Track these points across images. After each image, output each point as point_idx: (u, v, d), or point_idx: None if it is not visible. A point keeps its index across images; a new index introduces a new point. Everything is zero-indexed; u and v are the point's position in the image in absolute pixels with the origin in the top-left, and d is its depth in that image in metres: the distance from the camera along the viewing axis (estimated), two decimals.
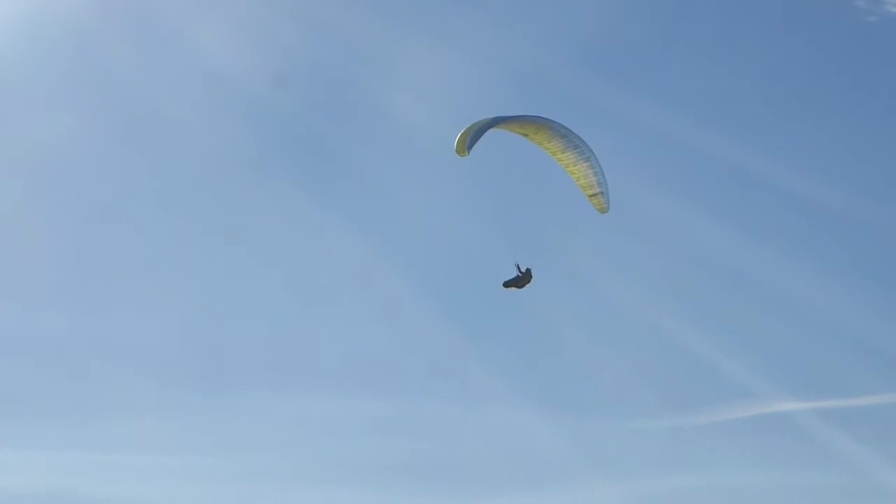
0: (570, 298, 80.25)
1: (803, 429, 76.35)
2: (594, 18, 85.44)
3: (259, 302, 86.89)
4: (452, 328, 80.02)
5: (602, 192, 35.89)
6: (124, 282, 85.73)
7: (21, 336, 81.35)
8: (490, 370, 78.03)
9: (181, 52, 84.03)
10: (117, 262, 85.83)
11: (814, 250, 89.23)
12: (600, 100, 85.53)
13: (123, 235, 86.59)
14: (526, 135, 34.43)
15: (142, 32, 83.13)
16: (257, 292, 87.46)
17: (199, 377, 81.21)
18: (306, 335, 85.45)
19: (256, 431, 77.88)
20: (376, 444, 77.59)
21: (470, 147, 33.58)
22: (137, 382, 78.81)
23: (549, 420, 77.51)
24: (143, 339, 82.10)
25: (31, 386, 79.76)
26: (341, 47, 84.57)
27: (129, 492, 72.19)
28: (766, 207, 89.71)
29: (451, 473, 75.25)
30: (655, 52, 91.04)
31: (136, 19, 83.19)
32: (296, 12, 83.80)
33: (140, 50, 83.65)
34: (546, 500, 73.79)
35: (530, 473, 74.79)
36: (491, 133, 32.73)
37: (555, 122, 34.45)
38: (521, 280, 37.20)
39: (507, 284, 37.25)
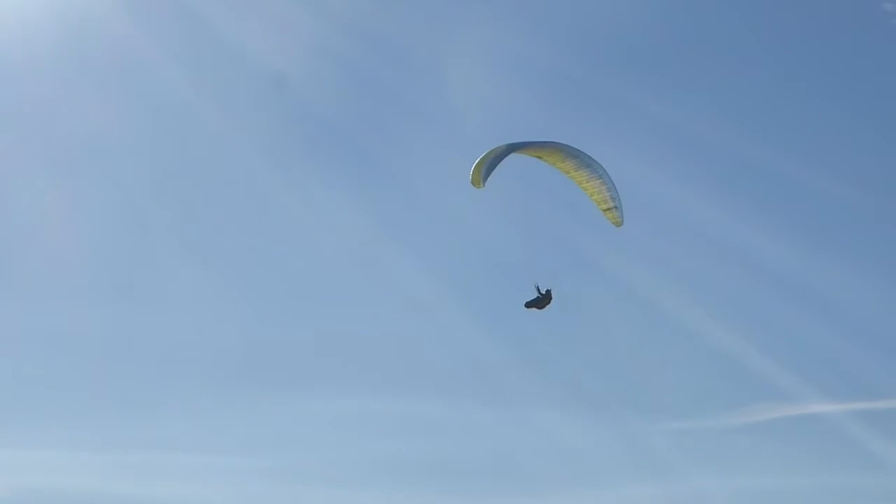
0: (604, 300, 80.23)
1: (837, 430, 76.01)
2: (627, 17, 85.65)
3: (285, 302, 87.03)
4: (486, 329, 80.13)
5: (616, 207, 36.59)
6: (149, 280, 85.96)
7: (52, 333, 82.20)
8: (524, 371, 78.19)
9: (214, 47, 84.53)
10: (143, 260, 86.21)
11: (848, 250, 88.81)
12: (633, 98, 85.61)
13: (154, 233, 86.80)
14: (540, 157, 35.19)
15: (174, 28, 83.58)
16: (283, 291, 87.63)
17: (228, 376, 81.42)
18: (336, 335, 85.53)
19: (283, 431, 78.11)
20: (413, 445, 77.80)
21: (485, 179, 34.21)
22: (162, 381, 79.34)
23: (582, 421, 77.60)
24: (168, 338, 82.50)
25: (57, 385, 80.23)
26: (375, 44, 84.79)
27: (152, 490, 72.40)
28: (802, 207, 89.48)
29: (485, 474, 75.45)
30: (685, 49, 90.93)
31: (168, 14, 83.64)
32: (335, 10, 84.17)
33: (172, 45, 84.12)
34: (579, 501, 73.85)
35: (563, 474, 74.93)
36: (508, 158, 33.48)
37: (566, 144, 35.19)
38: (542, 301, 37.89)
39: (528, 305, 37.96)
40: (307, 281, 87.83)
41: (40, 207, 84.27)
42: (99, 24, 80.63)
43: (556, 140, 35.50)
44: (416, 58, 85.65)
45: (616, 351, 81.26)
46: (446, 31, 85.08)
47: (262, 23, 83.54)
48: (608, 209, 36.65)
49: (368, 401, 78.92)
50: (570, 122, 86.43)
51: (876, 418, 76.77)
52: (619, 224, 37.12)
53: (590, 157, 35.91)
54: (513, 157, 34.17)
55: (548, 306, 37.82)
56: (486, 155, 34.81)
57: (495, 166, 34.33)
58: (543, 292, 37.72)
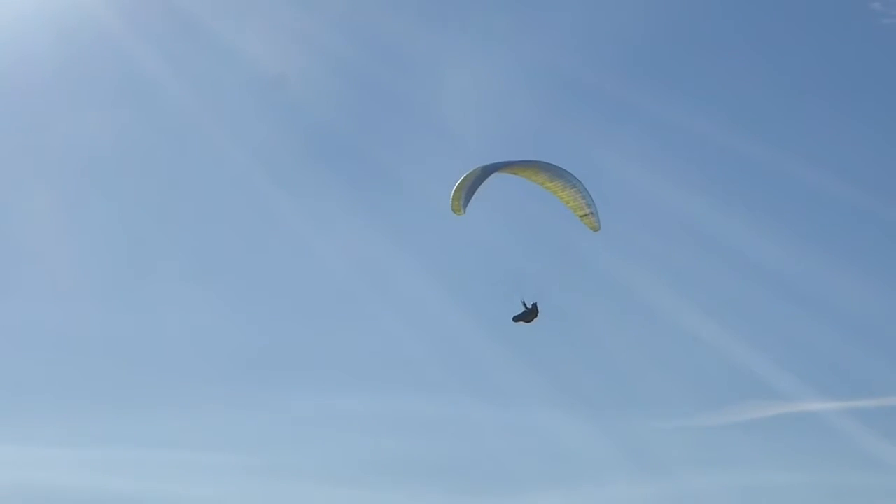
0: (599, 298, 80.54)
1: (832, 428, 76.28)
2: (632, 22, 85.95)
3: (278, 300, 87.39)
4: (482, 328, 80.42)
5: (592, 213, 37.61)
6: (143, 279, 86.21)
7: (45, 331, 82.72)
8: (519, 370, 78.52)
9: (215, 54, 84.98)
10: (137, 259, 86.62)
11: (842, 248, 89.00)
12: (637, 102, 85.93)
13: (149, 233, 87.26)
14: (515, 173, 36.43)
15: (174, 35, 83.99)
16: (276, 290, 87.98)
17: (223, 374, 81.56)
18: (330, 333, 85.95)
19: (277, 429, 78.34)
20: (408, 443, 78.20)
21: (465, 205, 35.46)
22: (157, 379, 79.64)
23: (577, 420, 77.95)
24: (162, 337, 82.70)
25: (49, 382, 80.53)
26: (380, 50, 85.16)
27: (146, 487, 72.43)
28: (794, 204, 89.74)
29: (479, 472, 75.85)
30: (683, 52, 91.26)
31: (168, 21, 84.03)
32: (335, 15, 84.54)
33: (173, 52, 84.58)
34: (575, 500, 74.21)
35: (559, 473, 75.38)
36: (491, 175, 34.44)
37: (539, 160, 36.60)
38: (529, 315, 38.78)
39: (516, 319, 38.87)
40: (300, 280, 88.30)
41: (37, 206, 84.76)
42: (98, 30, 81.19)
43: (530, 158, 36.86)
44: (417, 63, 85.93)
45: (611, 349, 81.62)
46: (447, 37, 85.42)
47: (261, 28, 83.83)
48: (584, 215, 37.69)
49: (363, 399, 79.37)
50: (570, 128, 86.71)
51: (871, 416, 77.08)
52: (596, 229, 38.07)
53: (563, 170, 37.08)
54: (490, 178, 35.06)
55: (535, 320, 38.73)
56: (462, 180, 36.01)
57: (474, 191, 35.46)
58: (530, 306, 38.61)
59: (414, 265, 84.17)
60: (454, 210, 35.99)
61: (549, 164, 36.69)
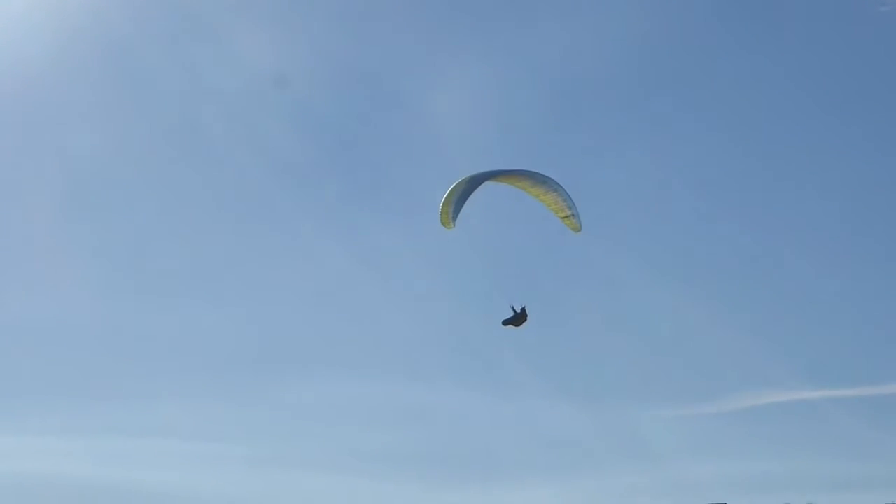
0: (595, 293, 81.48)
1: (825, 416, 77.27)
2: (631, 28, 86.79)
3: (277, 293, 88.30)
4: (477, 320, 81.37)
5: (573, 215, 38.71)
6: (143, 273, 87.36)
7: (45, 323, 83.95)
8: (515, 361, 79.53)
9: (222, 60, 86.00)
10: (139, 253, 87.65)
11: (833, 239, 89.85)
12: (634, 108, 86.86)
13: (151, 227, 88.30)
14: (499, 182, 37.38)
15: (181, 40, 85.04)
16: (276, 284, 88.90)
17: (221, 366, 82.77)
18: (328, 325, 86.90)
19: (275, 419, 79.44)
20: (404, 433, 79.31)
21: (454, 219, 36.32)
22: (156, 370, 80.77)
23: (575, 409, 79.03)
24: (161, 329, 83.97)
25: (47, 374, 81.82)
26: (380, 50, 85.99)
27: (144, 476, 74.34)
28: (785, 198, 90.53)
29: (476, 461, 76.85)
30: (683, 54, 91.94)
31: (174, 27, 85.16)
32: (340, 20, 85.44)
33: (179, 58, 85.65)
34: (571, 487, 75.28)
35: (554, 461, 76.41)
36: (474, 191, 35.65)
37: (520, 169, 37.91)
38: (518, 318, 39.79)
39: (505, 323, 39.82)
40: (298, 275, 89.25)
41: (39, 205, 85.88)
42: (104, 37, 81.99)
43: (521, 165, 38.12)
44: (417, 63, 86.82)
45: (607, 341, 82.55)
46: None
47: (261, 27, 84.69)
48: (566, 217, 38.78)
49: (360, 390, 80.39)
50: (570, 128, 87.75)
51: (863, 405, 78.14)
52: (577, 230, 39.16)
53: (544, 176, 38.14)
54: (477, 188, 36.35)
55: (525, 323, 39.96)
56: (448, 194, 36.88)
57: (462, 205, 36.33)
58: (518, 311, 39.74)
59: (411, 259, 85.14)
60: (443, 224, 36.78)
61: (531, 171, 37.70)
